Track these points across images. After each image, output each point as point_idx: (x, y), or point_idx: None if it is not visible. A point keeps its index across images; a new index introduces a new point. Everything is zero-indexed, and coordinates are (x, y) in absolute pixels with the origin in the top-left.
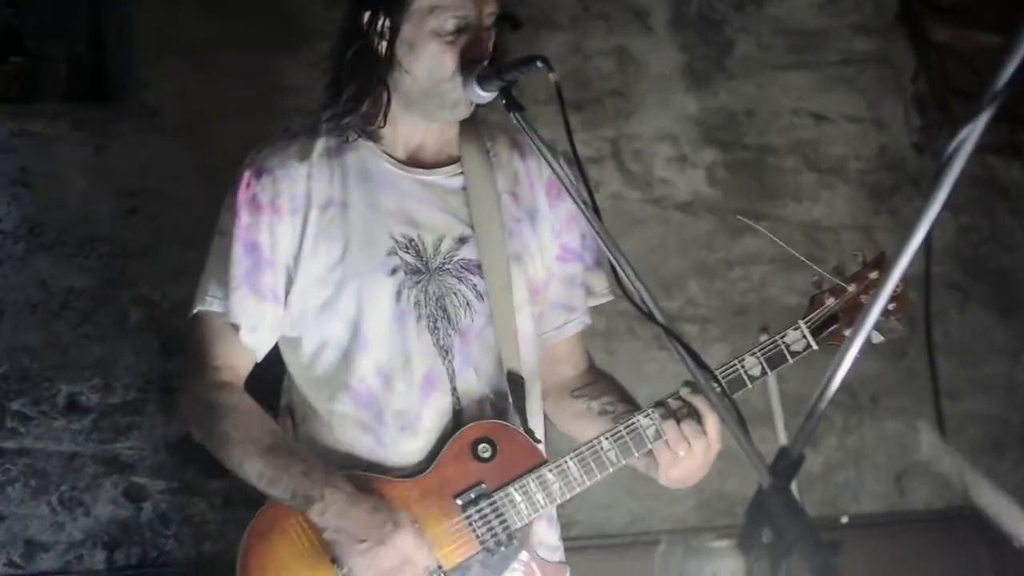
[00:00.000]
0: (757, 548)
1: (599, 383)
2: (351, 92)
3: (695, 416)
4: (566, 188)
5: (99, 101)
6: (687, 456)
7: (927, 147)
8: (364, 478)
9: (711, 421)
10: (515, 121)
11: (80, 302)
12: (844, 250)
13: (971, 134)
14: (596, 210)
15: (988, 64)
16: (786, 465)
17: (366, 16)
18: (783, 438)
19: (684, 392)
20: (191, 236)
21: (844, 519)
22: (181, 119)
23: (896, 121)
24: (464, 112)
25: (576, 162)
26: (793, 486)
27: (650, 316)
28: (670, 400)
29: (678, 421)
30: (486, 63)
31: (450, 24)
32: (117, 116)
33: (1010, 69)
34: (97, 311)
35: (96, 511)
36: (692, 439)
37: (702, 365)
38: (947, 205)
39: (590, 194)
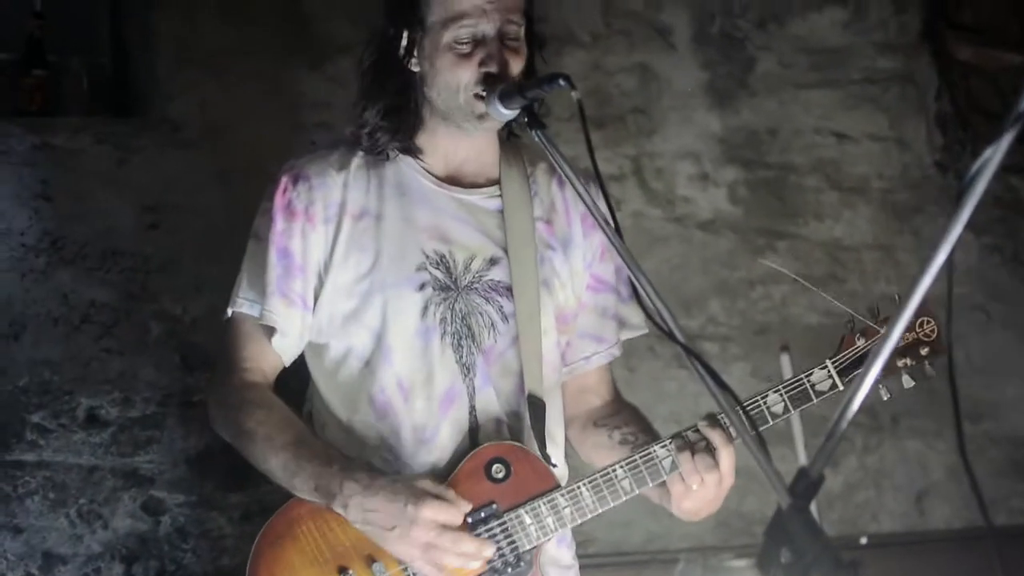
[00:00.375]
0: (776, 568)
1: (622, 413)
2: (379, 108)
3: (710, 451)
4: (583, 203)
5: (121, 114)
6: (699, 489)
7: (950, 166)
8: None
9: (725, 456)
10: (536, 139)
11: (101, 316)
12: (866, 270)
13: (994, 155)
14: (617, 228)
15: (1012, 83)
16: (805, 486)
17: (391, 32)
18: (803, 458)
19: (702, 425)
20: (213, 250)
21: (863, 540)
22: (203, 133)
23: (919, 140)
24: (493, 125)
25: (598, 180)
26: (812, 506)
27: (670, 335)
28: (688, 433)
29: (693, 454)
30: (509, 80)
31: (464, 37)
32: (139, 130)
33: None
34: (118, 325)
35: (114, 524)
36: (704, 473)
37: (722, 385)
38: (969, 226)
39: (611, 212)
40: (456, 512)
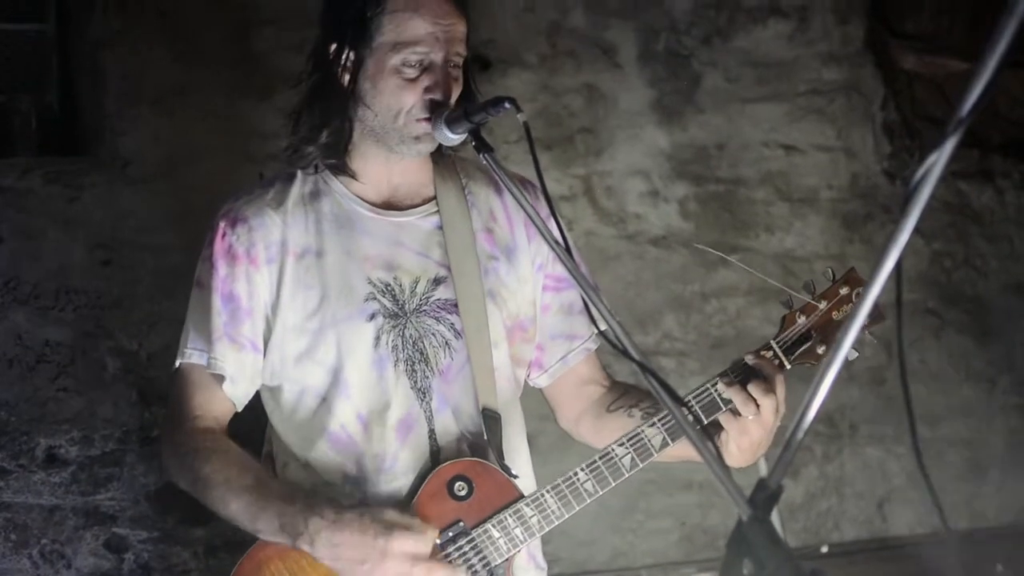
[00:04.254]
0: None
1: (631, 393)
2: (313, 122)
3: (761, 377)
4: (536, 227)
5: (71, 153)
6: (755, 421)
7: (898, 174)
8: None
9: (779, 382)
10: (484, 162)
11: (57, 355)
12: (817, 280)
13: (938, 160)
14: (568, 248)
15: (957, 89)
16: (765, 497)
17: (332, 48)
18: (763, 469)
19: (749, 359)
20: (166, 285)
21: (824, 549)
22: (153, 168)
23: (866, 149)
24: (427, 148)
25: (547, 201)
26: (775, 516)
27: (625, 353)
28: (729, 372)
29: (744, 386)
30: (453, 105)
31: (412, 61)
32: (89, 167)
33: (975, 95)
34: (74, 363)
35: (78, 563)
36: (761, 397)
37: (678, 400)
38: (920, 232)
39: (561, 232)
40: (426, 542)
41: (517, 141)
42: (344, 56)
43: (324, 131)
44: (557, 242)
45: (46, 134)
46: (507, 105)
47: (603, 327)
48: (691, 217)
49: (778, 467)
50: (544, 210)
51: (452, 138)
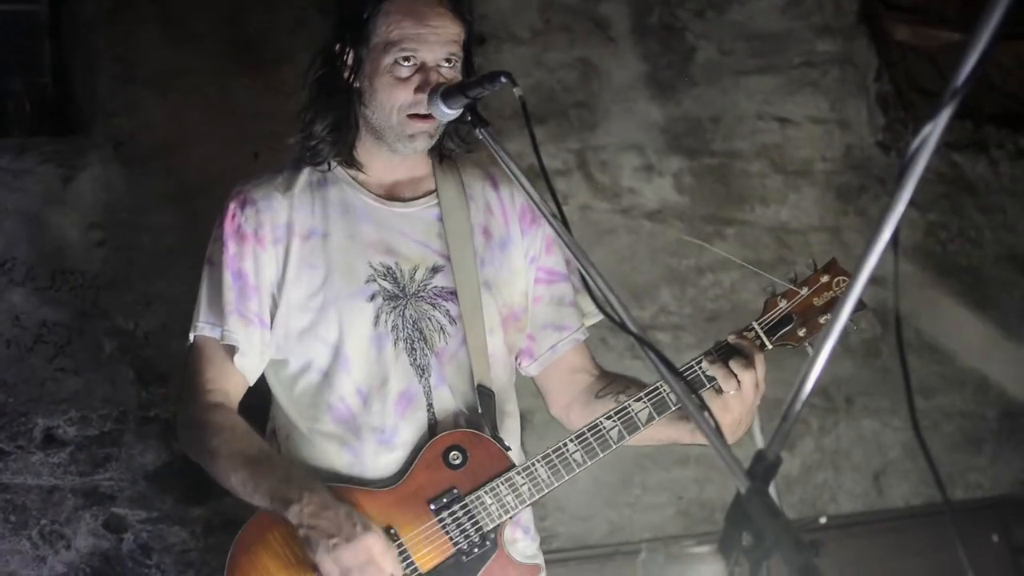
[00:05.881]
0: (737, 552)
1: (619, 380)
2: (327, 121)
3: (741, 355)
4: (534, 203)
5: (65, 134)
6: (736, 397)
7: (892, 146)
8: (342, 489)
9: (758, 361)
10: (480, 136)
11: (54, 335)
12: (813, 252)
13: (933, 131)
14: (565, 222)
15: (950, 61)
16: (763, 469)
17: (337, 47)
18: (760, 442)
19: (732, 339)
20: (161, 265)
21: (823, 520)
22: (147, 148)
23: (861, 121)
24: (423, 146)
25: (543, 175)
26: (772, 489)
27: (622, 326)
28: (713, 351)
29: (726, 363)
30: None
31: (403, 60)
32: (83, 148)
33: (969, 66)
34: (71, 344)
35: (77, 544)
36: (741, 373)
37: (676, 373)
38: (915, 203)
39: (558, 207)
40: (396, 566)
41: (511, 116)
42: (346, 55)
43: (331, 127)
44: (555, 215)
45: (40, 116)
46: (503, 80)
47: (601, 303)
48: (686, 191)
49: (776, 438)
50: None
51: (448, 113)
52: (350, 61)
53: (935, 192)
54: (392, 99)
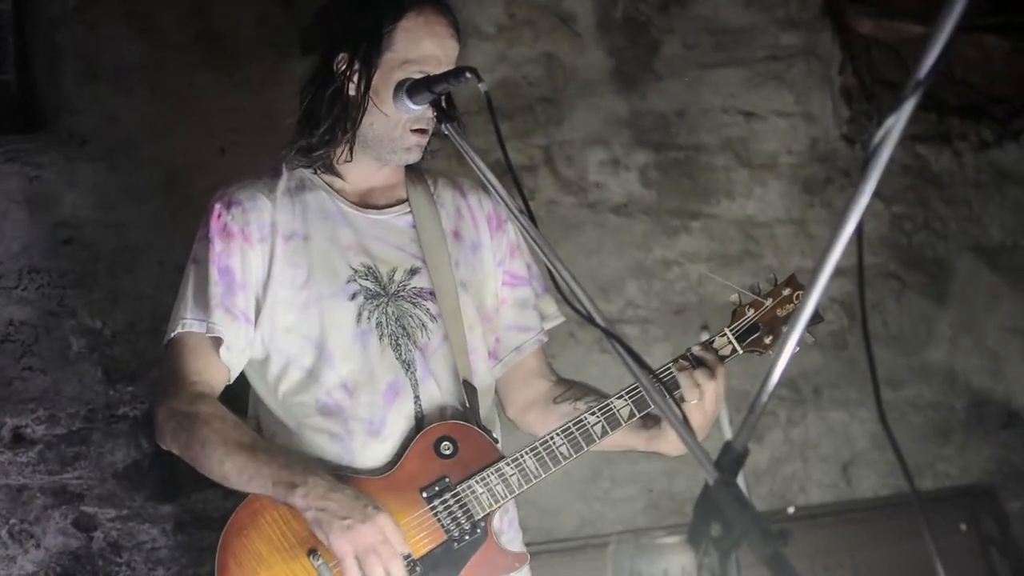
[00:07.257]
0: (706, 542)
1: (576, 387)
2: (326, 128)
3: (705, 366)
4: (500, 199)
5: (30, 131)
6: (698, 406)
7: (857, 138)
8: (336, 476)
9: (719, 372)
10: (446, 132)
11: (21, 334)
12: (780, 245)
13: (896, 123)
14: (532, 217)
15: (913, 54)
16: (731, 460)
17: (341, 58)
18: (728, 434)
19: (696, 349)
20: (127, 262)
21: (791, 510)
22: (113, 145)
23: (825, 114)
24: (415, 158)
25: (510, 170)
26: (741, 481)
27: (590, 319)
28: (679, 360)
29: (691, 373)
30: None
31: (416, 78)
32: (48, 145)
33: (931, 59)
34: (39, 342)
35: (47, 542)
36: (704, 382)
37: (643, 366)
38: (879, 195)
39: (524, 202)
40: (403, 543)
41: (478, 112)
42: (354, 68)
43: (326, 135)
44: (521, 211)
45: (3, 113)
46: (468, 75)
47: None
48: (652, 185)
49: (743, 429)
50: (502, 207)
51: (414, 108)
52: (355, 71)
53: (900, 184)
54: (402, 113)
